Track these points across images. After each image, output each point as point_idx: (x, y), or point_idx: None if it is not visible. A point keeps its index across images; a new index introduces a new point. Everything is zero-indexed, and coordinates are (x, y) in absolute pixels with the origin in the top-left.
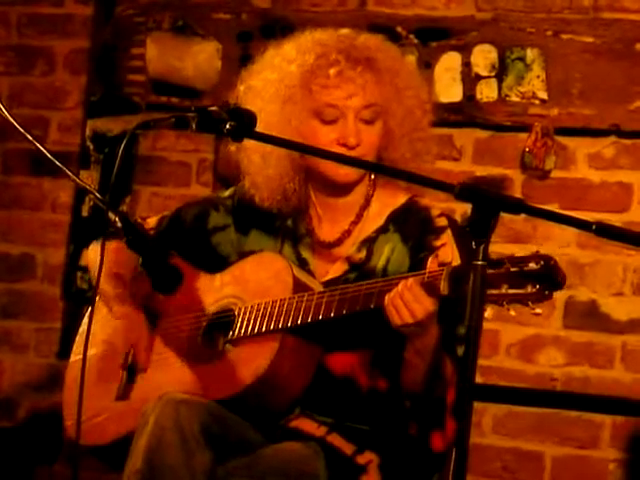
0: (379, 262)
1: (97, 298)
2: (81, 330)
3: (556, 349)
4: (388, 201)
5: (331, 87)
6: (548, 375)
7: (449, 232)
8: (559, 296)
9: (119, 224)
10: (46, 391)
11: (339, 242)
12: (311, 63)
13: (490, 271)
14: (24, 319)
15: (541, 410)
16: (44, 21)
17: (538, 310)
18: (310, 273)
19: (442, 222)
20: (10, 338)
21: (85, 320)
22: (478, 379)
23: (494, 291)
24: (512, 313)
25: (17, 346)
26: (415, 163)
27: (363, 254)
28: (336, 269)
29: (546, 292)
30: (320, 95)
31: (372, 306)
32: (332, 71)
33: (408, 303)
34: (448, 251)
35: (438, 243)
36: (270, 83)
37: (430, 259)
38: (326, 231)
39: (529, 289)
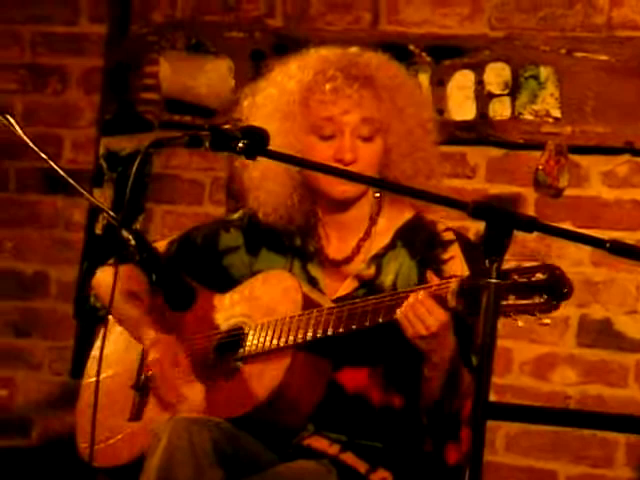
0: (388, 278)
1: (110, 318)
2: (93, 353)
3: (570, 367)
4: (395, 218)
5: (328, 103)
6: (562, 393)
7: (456, 245)
8: (573, 314)
9: (132, 242)
10: (59, 409)
11: (348, 260)
12: (309, 79)
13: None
14: (37, 337)
15: (555, 428)
16: (58, 40)
17: (546, 320)
18: (320, 292)
19: (449, 236)
20: (23, 356)
21: (98, 343)
22: (492, 397)
23: (501, 301)
24: (520, 324)
25: (30, 364)
26: (417, 180)
27: (372, 270)
28: (346, 286)
29: (553, 302)
30: (317, 110)
31: (381, 320)
32: (328, 86)
33: (421, 315)
34: (457, 264)
35: (446, 256)
36: (270, 99)
37: (429, 273)
38: (335, 249)
39: (536, 299)
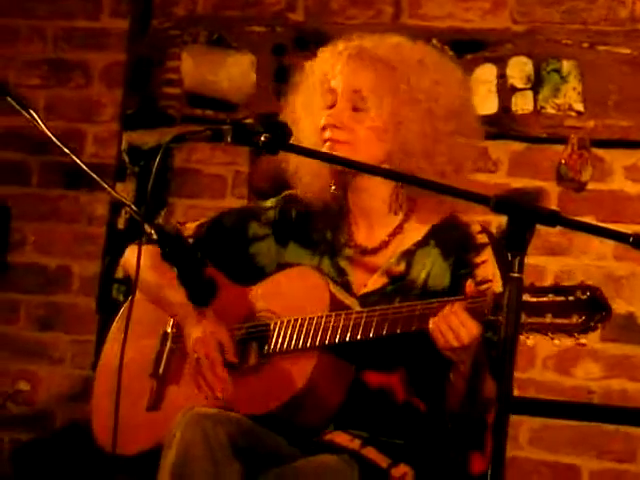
0: (419, 276)
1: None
2: (110, 335)
3: (593, 362)
4: (429, 216)
5: (330, 76)
6: (585, 388)
7: (490, 249)
8: None
9: (155, 236)
10: (82, 403)
11: (376, 251)
12: (326, 57)
13: (533, 299)
14: (60, 331)
15: (578, 423)
16: (80, 35)
17: (583, 341)
18: (348, 284)
19: (483, 239)
20: (46, 350)
21: (115, 325)
22: (515, 392)
23: (538, 319)
24: (557, 342)
25: (53, 358)
26: (437, 177)
27: (402, 267)
28: (375, 281)
29: (591, 323)
30: (328, 84)
31: (414, 328)
32: (333, 60)
33: (454, 327)
34: (489, 268)
35: (479, 260)
36: (299, 85)
37: (468, 283)
38: (364, 237)
39: (574, 319)
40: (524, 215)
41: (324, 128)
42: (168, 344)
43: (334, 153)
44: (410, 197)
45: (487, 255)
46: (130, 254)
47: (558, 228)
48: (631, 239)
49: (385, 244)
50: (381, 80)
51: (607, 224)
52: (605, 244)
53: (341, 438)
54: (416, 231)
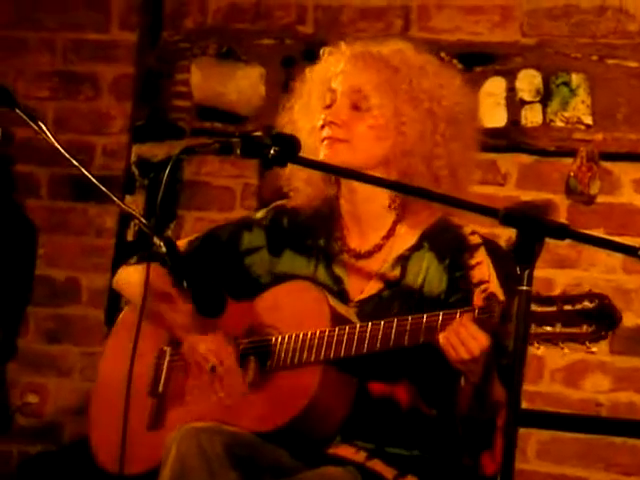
0: (415, 281)
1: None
2: (105, 351)
3: (602, 375)
4: (420, 219)
5: (332, 76)
6: (593, 401)
7: (483, 249)
8: None
9: (164, 249)
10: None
11: (370, 254)
12: (328, 58)
13: (541, 309)
14: (69, 343)
15: (586, 436)
16: (89, 47)
17: (594, 349)
18: (345, 292)
19: (475, 240)
20: (55, 362)
21: (109, 342)
22: (523, 404)
23: (548, 329)
24: (566, 351)
25: (62, 370)
26: (431, 181)
27: (397, 272)
28: (371, 287)
29: (602, 332)
30: (328, 84)
31: (421, 341)
32: (335, 61)
33: (464, 340)
34: (484, 269)
35: (473, 262)
36: (298, 89)
37: (477, 293)
38: (356, 242)
39: (584, 328)
40: (533, 228)
41: (322, 126)
42: (166, 361)
43: (332, 151)
44: (402, 200)
45: (481, 256)
46: (122, 274)
47: (567, 241)
48: (639, 252)
49: (379, 247)
50: (384, 80)
51: (616, 237)
52: (614, 257)
53: (346, 451)
54: (408, 234)
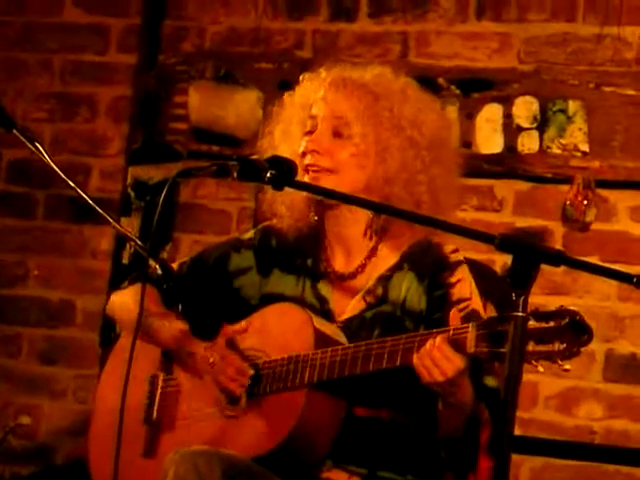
0: (397, 301)
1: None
2: (102, 377)
3: (596, 402)
4: (402, 240)
5: (312, 102)
6: (587, 428)
7: (465, 267)
8: (599, 349)
9: (159, 271)
10: (84, 438)
11: (354, 275)
12: (307, 85)
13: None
14: (63, 365)
15: (579, 463)
16: (87, 69)
17: (567, 366)
18: (330, 312)
19: (456, 257)
20: (49, 384)
21: (106, 368)
22: (516, 431)
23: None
24: (540, 369)
25: (55, 392)
26: (413, 207)
27: (379, 292)
28: (353, 307)
29: (574, 349)
30: (309, 110)
31: (398, 363)
32: (315, 87)
33: (438, 362)
34: (465, 287)
35: (453, 279)
36: (278, 115)
37: (452, 312)
38: (341, 264)
39: (556, 346)
40: (529, 254)
41: (304, 154)
42: (159, 388)
43: (320, 182)
44: (384, 222)
45: (462, 273)
46: (115, 300)
47: (562, 268)
48: (635, 280)
49: (362, 268)
50: (365, 107)
51: (611, 264)
52: (609, 284)
53: (338, 476)
54: (389, 255)
